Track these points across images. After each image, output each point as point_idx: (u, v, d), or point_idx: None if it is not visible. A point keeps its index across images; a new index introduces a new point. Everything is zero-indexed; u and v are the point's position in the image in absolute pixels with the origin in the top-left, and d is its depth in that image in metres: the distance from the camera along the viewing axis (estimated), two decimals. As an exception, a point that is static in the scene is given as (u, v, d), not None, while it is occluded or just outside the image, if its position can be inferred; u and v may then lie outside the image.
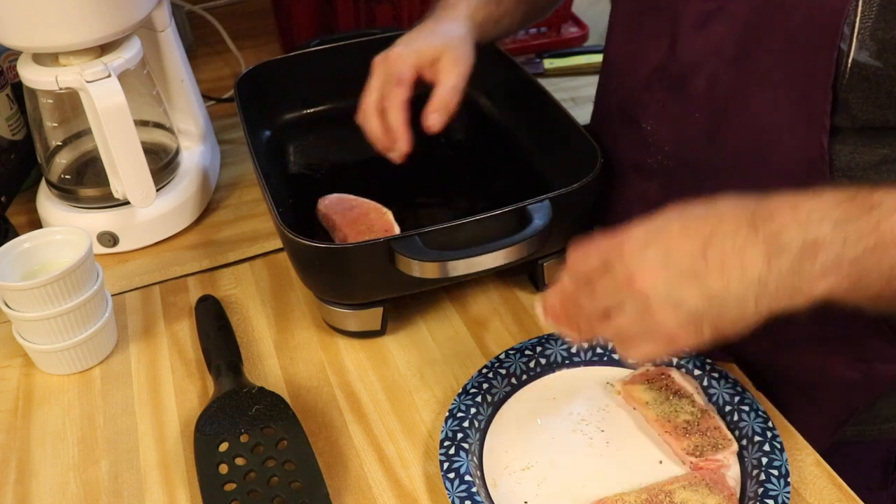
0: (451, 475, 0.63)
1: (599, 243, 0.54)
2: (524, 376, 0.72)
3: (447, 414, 0.68)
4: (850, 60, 0.55)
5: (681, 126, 0.70)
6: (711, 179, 0.68)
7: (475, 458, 0.65)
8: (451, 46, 0.75)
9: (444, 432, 0.66)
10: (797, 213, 0.49)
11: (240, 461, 0.64)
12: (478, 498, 0.61)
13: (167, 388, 0.75)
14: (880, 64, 0.54)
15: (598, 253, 0.54)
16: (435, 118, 0.73)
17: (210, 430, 0.67)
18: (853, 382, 0.69)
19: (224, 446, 0.65)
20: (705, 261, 0.50)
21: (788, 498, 0.60)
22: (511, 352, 0.73)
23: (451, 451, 0.65)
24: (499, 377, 0.71)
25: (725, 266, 0.49)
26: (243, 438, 0.66)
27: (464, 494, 0.61)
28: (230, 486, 0.63)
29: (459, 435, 0.66)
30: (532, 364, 0.73)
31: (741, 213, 0.50)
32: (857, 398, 0.70)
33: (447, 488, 0.62)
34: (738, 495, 0.62)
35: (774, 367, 0.73)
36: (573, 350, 0.74)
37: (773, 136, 0.63)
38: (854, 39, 0.54)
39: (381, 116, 0.75)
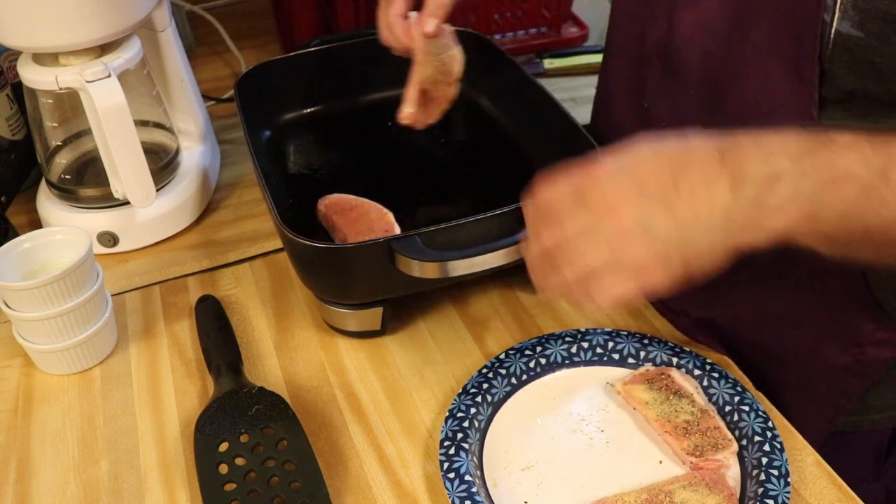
0: (451, 475, 0.63)
1: (570, 173, 0.54)
2: (524, 376, 0.72)
3: (447, 414, 0.68)
4: (833, 31, 0.56)
5: (678, 102, 0.71)
6: None
7: (475, 458, 0.65)
8: None
9: (444, 432, 0.66)
10: (760, 148, 0.50)
11: (240, 461, 0.64)
12: (478, 498, 0.61)
13: (167, 388, 0.75)
14: (862, 34, 0.55)
15: (570, 183, 0.54)
16: (431, 24, 0.70)
17: (210, 430, 0.67)
18: (846, 368, 0.69)
19: (224, 446, 0.65)
20: (676, 190, 0.51)
21: (788, 498, 0.60)
22: (511, 352, 0.73)
23: (451, 451, 0.65)
24: (499, 377, 0.71)
25: (695, 195, 0.51)
26: (243, 438, 0.66)
27: (464, 494, 0.61)
28: (230, 486, 0.63)
29: (459, 435, 0.66)
30: (532, 364, 0.73)
31: (710, 147, 0.52)
32: (852, 385, 0.70)
33: (447, 488, 0.62)
34: (738, 495, 0.62)
35: (768, 356, 0.73)
36: (573, 350, 0.74)
37: (767, 110, 0.63)
38: (837, 10, 0.55)
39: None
